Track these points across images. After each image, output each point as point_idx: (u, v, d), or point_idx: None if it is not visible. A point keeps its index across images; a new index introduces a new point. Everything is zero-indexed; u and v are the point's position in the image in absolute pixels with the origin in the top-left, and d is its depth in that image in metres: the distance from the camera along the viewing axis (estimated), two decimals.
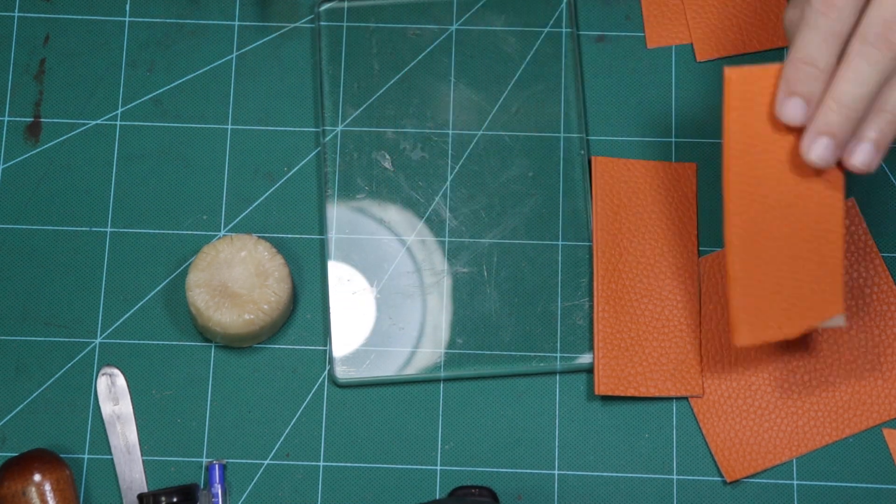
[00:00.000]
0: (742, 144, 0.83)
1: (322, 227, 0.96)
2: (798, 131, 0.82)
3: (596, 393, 0.92)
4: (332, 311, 0.94)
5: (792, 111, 0.81)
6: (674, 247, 0.95)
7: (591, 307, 0.95)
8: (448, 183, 0.97)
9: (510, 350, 0.94)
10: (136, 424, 0.93)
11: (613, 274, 0.94)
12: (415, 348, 0.94)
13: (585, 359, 0.94)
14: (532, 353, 0.94)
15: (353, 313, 0.94)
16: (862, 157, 0.81)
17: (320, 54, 0.99)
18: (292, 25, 1.00)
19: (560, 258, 0.96)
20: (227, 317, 0.91)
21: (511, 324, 0.94)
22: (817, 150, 0.81)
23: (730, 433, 0.93)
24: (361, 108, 0.98)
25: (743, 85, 0.82)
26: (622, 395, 0.93)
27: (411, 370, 0.94)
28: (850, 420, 0.93)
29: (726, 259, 0.85)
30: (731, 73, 0.81)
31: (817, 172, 0.83)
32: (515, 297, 0.95)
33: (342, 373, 0.93)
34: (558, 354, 0.94)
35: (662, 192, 0.96)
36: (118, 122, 0.98)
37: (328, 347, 0.94)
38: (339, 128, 0.98)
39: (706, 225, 0.96)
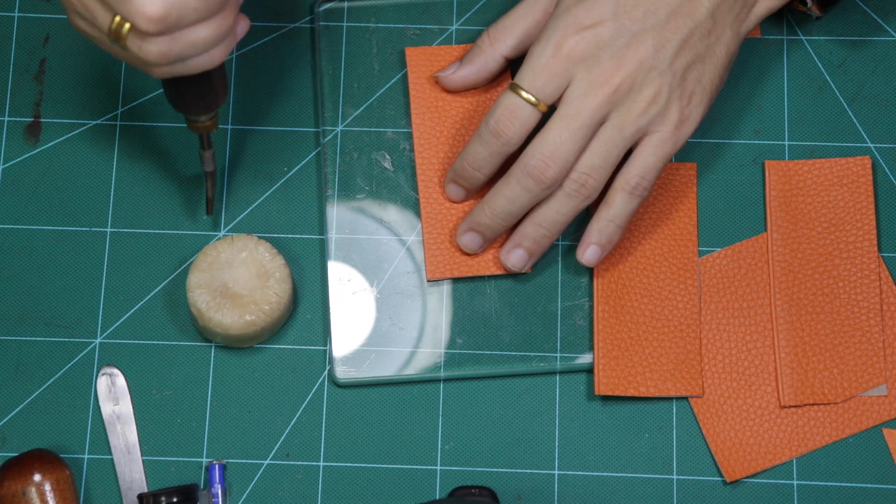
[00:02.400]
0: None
1: (322, 227, 0.96)
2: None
3: (596, 393, 0.92)
4: (332, 311, 0.94)
5: (453, 193, 0.95)
6: (674, 247, 0.95)
7: (591, 307, 0.95)
8: None
9: (510, 350, 0.94)
10: (136, 424, 0.93)
11: (613, 274, 0.94)
12: (415, 348, 0.94)
13: (585, 359, 0.94)
14: (532, 353, 0.94)
15: (353, 313, 0.94)
16: (515, 260, 0.93)
17: (320, 54, 0.99)
18: (292, 25, 1.00)
19: (560, 258, 0.96)
20: (228, 318, 0.91)
21: (511, 324, 0.94)
22: (465, 239, 0.94)
23: (730, 433, 0.93)
24: (361, 108, 0.98)
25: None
26: (622, 395, 0.93)
27: (411, 370, 0.94)
28: (850, 420, 0.93)
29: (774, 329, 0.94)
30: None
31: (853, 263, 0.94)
32: (515, 297, 0.95)
33: (342, 373, 0.93)
34: (558, 354, 0.94)
35: (662, 192, 0.96)
36: (118, 122, 0.98)
37: (328, 347, 0.94)
38: (339, 128, 0.98)
39: (706, 225, 0.96)
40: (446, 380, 0.94)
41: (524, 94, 0.89)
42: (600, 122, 0.89)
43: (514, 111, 0.90)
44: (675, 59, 0.89)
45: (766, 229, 0.96)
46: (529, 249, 0.92)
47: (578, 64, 0.88)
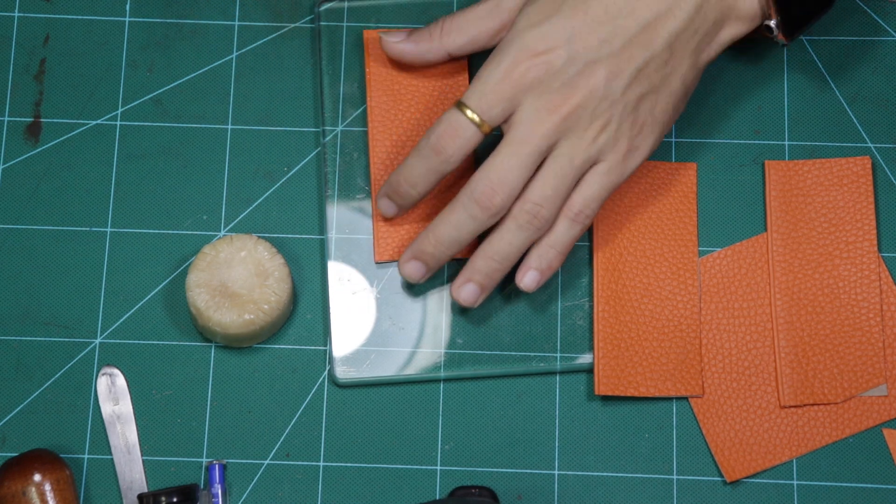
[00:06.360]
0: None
1: (322, 227, 0.96)
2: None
3: (596, 393, 0.92)
4: (332, 311, 0.94)
5: (385, 208, 0.93)
6: (674, 247, 0.95)
7: (591, 307, 0.95)
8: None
9: (510, 350, 0.94)
10: (136, 424, 0.93)
11: (613, 274, 0.94)
12: (415, 348, 0.94)
13: (585, 359, 0.94)
14: (532, 353, 0.94)
15: (353, 313, 0.94)
16: (467, 295, 0.91)
17: (320, 54, 0.99)
18: (292, 25, 1.00)
19: None
20: (227, 317, 0.91)
21: (511, 324, 0.94)
22: (407, 268, 0.92)
23: (730, 433, 0.93)
24: (361, 108, 0.98)
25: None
26: (622, 395, 0.93)
27: (411, 370, 0.94)
28: (850, 420, 0.93)
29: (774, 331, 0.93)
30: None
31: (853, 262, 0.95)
32: (515, 297, 0.95)
33: (342, 373, 0.93)
34: (558, 354, 0.94)
35: (662, 192, 0.96)
36: (118, 122, 0.98)
37: (328, 347, 0.94)
38: (339, 128, 0.98)
39: (706, 225, 0.96)
40: (446, 380, 0.94)
41: (469, 112, 0.88)
42: (549, 149, 0.88)
43: (456, 129, 0.89)
44: (627, 90, 0.88)
45: (766, 229, 0.96)
46: (481, 284, 0.91)
47: (527, 90, 0.88)
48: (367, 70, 0.97)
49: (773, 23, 0.90)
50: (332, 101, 0.98)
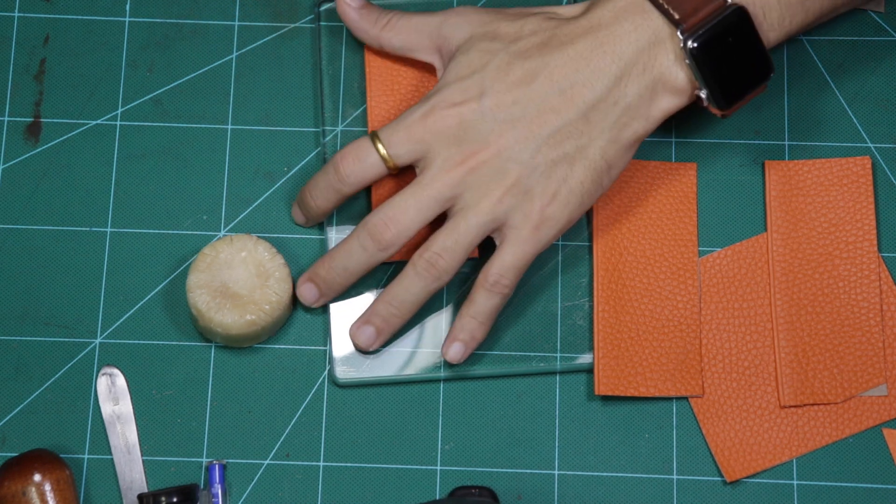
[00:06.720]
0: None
1: (322, 227, 0.96)
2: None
3: (596, 393, 0.92)
4: (332, 311, 0.94)
5: (295, 215, 0.95)
6: (674, 247, 0.95)
7: (591, 307, 0.95)
8: None
9: (510, 350, 0.94)
10: (136, 424, 0.93)
11: (613, 274, 0.94)
12: (415, 348, 0.94)
13: (585, 359, 0.94)
14: (532, 353, 0.94)
15: (353, 313, 0.94)
16: (364, 337, 0.92)
17: (320, 54, 0.99)
18: (292, 25, 1.00)
19: (560, 258, 0.96)
20: (228, 318, 0.91)
21: (511, 324, 0.94)
22: (302, 289, 0.93)
23: (730, 433, 0.93)
24: (361, 108, 0.98)
25: None
26: (622, 395, 0.93)
27: (411, 370, 0.94)
28: (850, 420, 0.93)
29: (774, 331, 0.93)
30: None
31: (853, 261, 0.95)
32: (515, 297, 0.95)
33: (342, 373, 0.93)
34: (558, 354, 0.94)
35: (662, 192, 0.96)
36: (118, 122, 0.98)
37: (328, 347, 0.94)
38: (339, 128, 0.98)
39: (706, 225, 0.96)
40: (446, 380, 0.94)
41: (378, 144, 0.90)
42: (451, 199, 0.89)
43: (360, 154, 0.90)
44: (537, 154, 0.88)
45: (766, 229, 0.96)
46: (379, 327, 0.92)
47: (438, 138, 0.89)
48: (367, 69, 0.97)
49: (703, 94, 0.89)
50: (332, 101, 0.98)
